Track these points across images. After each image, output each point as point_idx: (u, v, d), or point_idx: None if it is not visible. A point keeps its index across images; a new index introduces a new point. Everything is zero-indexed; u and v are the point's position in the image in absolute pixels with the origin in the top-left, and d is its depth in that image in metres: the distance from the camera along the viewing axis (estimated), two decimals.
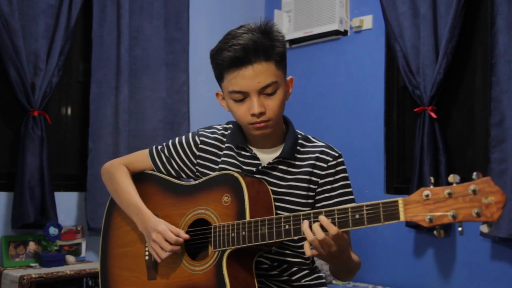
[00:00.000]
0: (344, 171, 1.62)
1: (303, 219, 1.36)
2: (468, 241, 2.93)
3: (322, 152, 1.61)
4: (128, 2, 3.32)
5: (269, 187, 1.57)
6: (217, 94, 1.64)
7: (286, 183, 1.58)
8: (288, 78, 1.60)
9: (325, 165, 1.59)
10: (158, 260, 1.58)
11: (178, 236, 1.54)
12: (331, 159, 1.60)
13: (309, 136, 1.67)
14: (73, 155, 3.35)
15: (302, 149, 1.62)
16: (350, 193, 1.61)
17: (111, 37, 3.27)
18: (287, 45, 3.71)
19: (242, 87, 1.49)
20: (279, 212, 1.56)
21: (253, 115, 1.50)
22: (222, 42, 1.52)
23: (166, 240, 1.54)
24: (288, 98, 1.60)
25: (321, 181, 1.59)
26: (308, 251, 1.34)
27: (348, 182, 1.62)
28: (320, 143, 1.65)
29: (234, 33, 1.51)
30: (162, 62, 3.51)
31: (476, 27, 3.09)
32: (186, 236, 1.55)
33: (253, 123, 1.52)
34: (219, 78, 1.55)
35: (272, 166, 1.60)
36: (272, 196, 1.56)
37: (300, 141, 1.63)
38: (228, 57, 1.47)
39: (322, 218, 1.32)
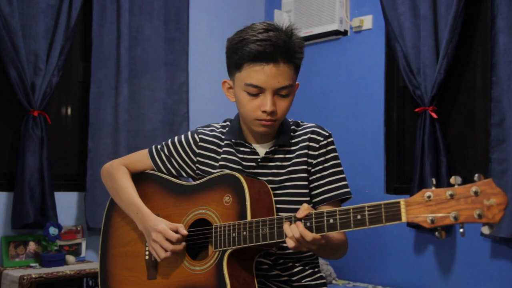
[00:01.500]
0: (334, 150, 1.63)
1: (304, 220, 1.36)
2: (469, 241, 2.93)
3: (313, 132, 1.62)
4: (128, 2, 3.31)
5: (270, 185, 1.58)
6: (224, 82, 1.63)
7: (285, 170, 1.60)
8: (296, 83, 1.60)
9: (317, 145, 1.61)
10: (159, 260, 1.58)
11: (177, 231, 1.54)
12: (322, 139, 1.62)
13: (299, 121, 1.69)
14: (73, 155, 3.35)
15: (294, 134, 1.64)
16: (341, 172, 1.62)
17: (111, 37, 3.27)
18: None
19: (261, 82, 1.49)
20: (283, 199, 1.57)
21: (264, 112, 1.51)
22: (248, 33, 1.49)
23: (167, 239, 1.54)
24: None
25: (314, 162, 1.60)
26: (290, 244, 1.37)
27: (339, 161, 1.63)
28: (309, 124, 1.66)
29: (260, 27, 1.50)
30: (161, 62, 3.50)
31: (476, 27, 3.09)
32: (185, 232, 1.55)
33: (261, 119, 1.53)
34: (236, 67, 1.53)
35: (270, 156, 1.61)
36: (273, 198, 1.56)
37: (292, 127, 1.65)
38: (255, 50, 1.46)
39: (299, 224, 1.36)
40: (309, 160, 1.60)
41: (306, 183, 1.59)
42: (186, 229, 1.58)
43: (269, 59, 1.47)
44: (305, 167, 1.60)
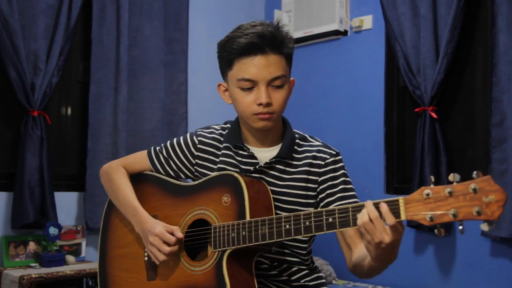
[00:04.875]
0: (343, 168, 1.61)
1: (303, 219, 1.36)
2: (469, 241, 2.93)
3: (319, 151, 1.61)
4: (128, 3, 3.32)
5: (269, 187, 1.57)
6: (219, 85, 1.64)
7: (283, 183, 1.58)
8: (291, 79, 1.60)
9: (323, 163, 1.59)
10: (157, 263, 1.58)
11: (172, 234, 1.54)
12: (328, 157, 1.60)
13: (306, 136, 1.67)
14: (73, 155, 3.35)
15: (299, 149, 1.62)
16: (351, 189, 1.60)
17: (110, 37, 3.27)
18: None
19: (253, 75, 1.49)
20: (277, 212, 1.55)
21: (259, 104, 1.50)
22: (235, 32, 1.53)
23: (164, 242, 1.54)
24: (288, 98, 1.61)
25: (320, 179, 1.58)
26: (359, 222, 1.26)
27: (348, 178, 1.61)
28: (317, 143, 1.65)
29: (247, 25, 1.53)
30: (161, 63, 3.51)
31: (476, 27, 3.09)
32: (180, 235, 1.55)
33: (258, 113, 1.52)
34: (228, 65, 1.54)
35: (270, 165, 1.60)
36: (272, 196, 1.56)
37: (297, 140, 1.63)
38: (243, 43, 1.48)
39: (382, 205, 1.23)
40: (311, 178, 1.58)
41: (302, 200, 1.57)
42: (185, 230, 1.58)
43: (257, 50, 1.48)
44: (304, 184, 1.58)
